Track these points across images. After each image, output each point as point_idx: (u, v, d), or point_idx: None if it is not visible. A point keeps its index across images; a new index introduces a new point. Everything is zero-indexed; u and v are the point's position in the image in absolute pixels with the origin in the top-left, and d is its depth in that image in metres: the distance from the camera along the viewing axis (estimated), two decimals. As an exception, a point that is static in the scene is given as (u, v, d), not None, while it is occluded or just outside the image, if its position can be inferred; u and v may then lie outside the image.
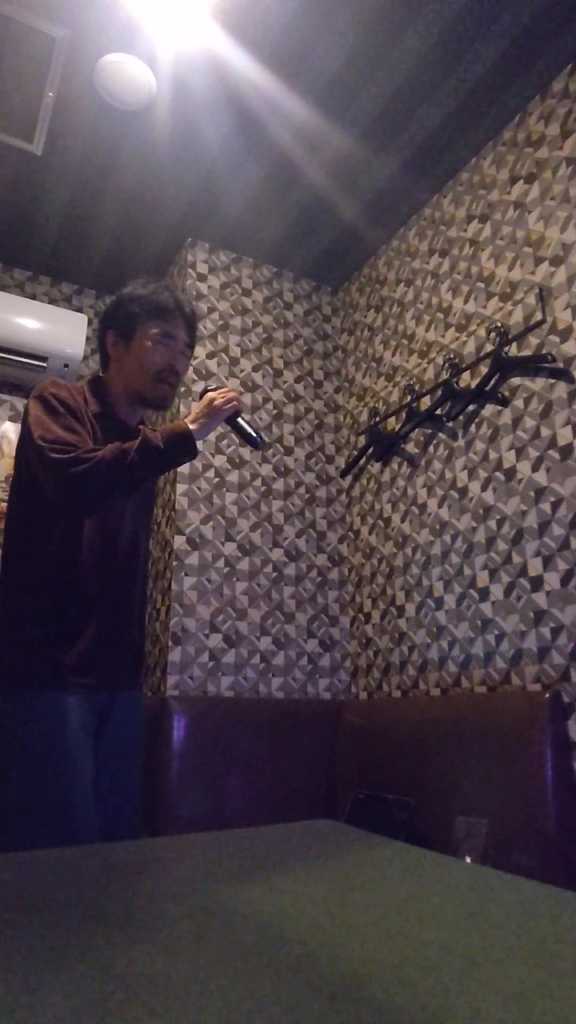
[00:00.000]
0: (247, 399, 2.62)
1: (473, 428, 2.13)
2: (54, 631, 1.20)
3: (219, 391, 1.30)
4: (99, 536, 1.27)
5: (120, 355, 1.35)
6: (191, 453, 1.24)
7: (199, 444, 1.26)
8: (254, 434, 1.34)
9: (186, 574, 2.29)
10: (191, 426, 1.24)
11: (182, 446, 1.22)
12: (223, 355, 2.62)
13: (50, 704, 1.15)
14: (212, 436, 2.48)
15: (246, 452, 2.53)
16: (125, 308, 1.35)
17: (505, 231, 2.12)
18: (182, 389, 2.49)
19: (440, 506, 2.21)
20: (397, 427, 2.45)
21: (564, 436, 1.81)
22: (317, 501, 2.66)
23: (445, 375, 2.25)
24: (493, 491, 2.01)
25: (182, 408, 2.48)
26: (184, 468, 2.39)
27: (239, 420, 1.33)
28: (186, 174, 2.35)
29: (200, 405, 1.28)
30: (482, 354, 2.12)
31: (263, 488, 2.54)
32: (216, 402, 1.28)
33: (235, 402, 1.30)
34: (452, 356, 2.25)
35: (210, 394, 1.30)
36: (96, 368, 2.85)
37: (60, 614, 1.21)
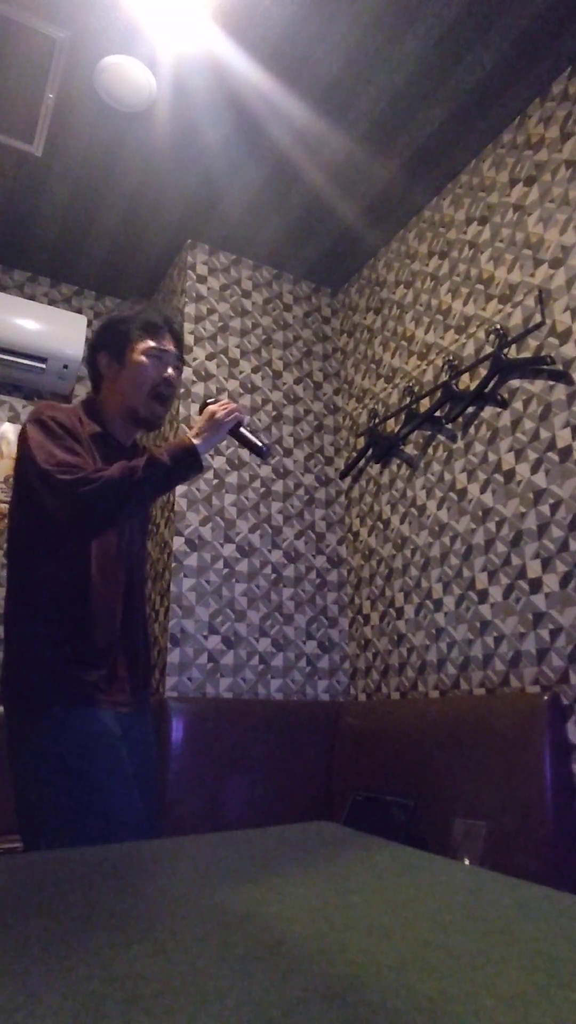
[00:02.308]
0: (246, 400, 2.63)
1: (472, 430, 2.13)
2: (76, 652, 1.19)
3: (219, 403, 1.31)
4: (107, 554, 1.27)
5: (114, 375, 1.37)
6: (197, 468, 1.25)
7: (204, 458, 1.27)
8: (260, 443, 1.34)
9: (185, 575, 2.29)
10: (195, 440, 1.25)
11: (188, 461, 1.23)
12: (223, 356, 2.63)
13: (82, 719, 1.15)
14: (211, 437, 2.48)
15: (245, 454, 2.53)
16: (115, 328, 1.37)
17: (504, 233, 2.13)
18: (181, 390, 2.49)
19: (439, 508, 2.21)
20: (396, 429, 2.45)
21: (563, 438, 1.81)
22: (316, 503, 2.66)
23: (444, 377, 2.26)
24: (492, 493, 2.01)
25: (181, 410, 2.48)
26: (183, 469, 2.39)
27: (242, 431, 1.34)
28: (186, 176, 2.36)
29: (202, 419, 1.29)
30: (481, 356, 2.12)
31: (262, 489, 2.54)
32: (218, 415, 1.28)
33: (237, 413, 1.31)
34: (451, 358, 2.25)
35: (211, 407, 1.31)
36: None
37: (79, 634, 1.20)
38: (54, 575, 1.22)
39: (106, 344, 1.38)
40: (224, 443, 2.50)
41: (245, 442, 1.35)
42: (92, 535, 1.24)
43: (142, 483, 1.18)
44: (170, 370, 1.38)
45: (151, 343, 1.35)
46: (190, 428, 1.29)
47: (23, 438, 1.24)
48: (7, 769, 1.14)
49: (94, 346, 1.40)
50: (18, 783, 1.13)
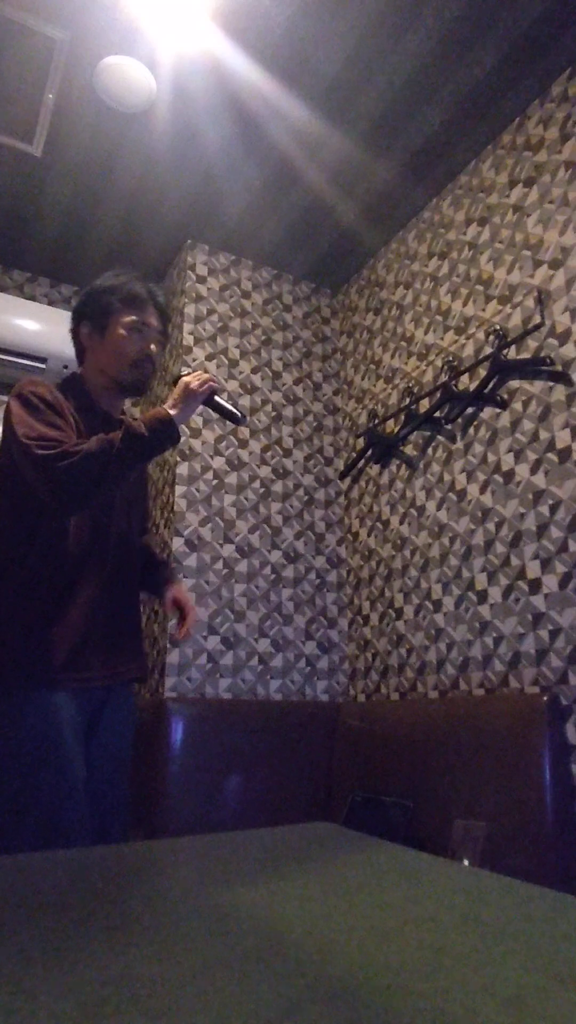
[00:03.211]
0: (246, 401, 2.63)
1: (472, 431, 2.13)
2: (43, 627, 1.20)
3: (192, 375, 1.32)
4: (87, 530, 1.27)
5: (95, 346, 1.37)
6: (174, 438, 1.25)
7: (181, 429, 1.27)
8: (234, 410, 1.35)
9: (184, 576, 2.28)
10: (171, 411, 1.25)
11: (165, 431, 1.23)
12: (222, 357, 2.63)
13: (39, 704, 1.15)
14: (211, 438, 2.48)
15: (245, 454, 2.53)
16: (98, 300, 1.37)
17: (504, 234, 2.13)
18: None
19: (438, 508, 2.21)
20: (396, 429, 2.45)
21: (563, 439, 1.81)
22: (316, 503, 2.66)
23: (444, 378, 2.26)
24: (491, 494, 2.01)
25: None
26: (183, 470, 2.39)
27: (216, 400, 1.34)
28: (186, 176, 2.36)
29: (176, 390, 1.29)
30: (481, 357, 2.12)
31: (262, 490, 2.54)
32: (192, 385, 1.29)
33: (210, 383, 1.31)
34: (451, 359, 2.25)
35: (184, 378, 1.31)
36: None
37: (49, 610, 1.21)
38: (30, 549, 1.22)
39: (88, 314, 1.37)
40: (224, 444, 2.50)
41: (220, 410, 1.35)
42: (73, 509, 1.23)
43: (120, 454, 1.18)
44: (152, 346, 1.37)
45: (133, 316, 1.35)
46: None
47: (6, 413, 1.25)
48: None
49: (77, 315, 1.40)
50: None
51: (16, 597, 1.21)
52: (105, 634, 1.28)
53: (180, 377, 1.33)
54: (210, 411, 1.39)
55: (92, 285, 1.40)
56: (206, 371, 1.46)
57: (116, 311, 1.35)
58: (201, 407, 1.33)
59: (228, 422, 1.44)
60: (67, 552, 1.24)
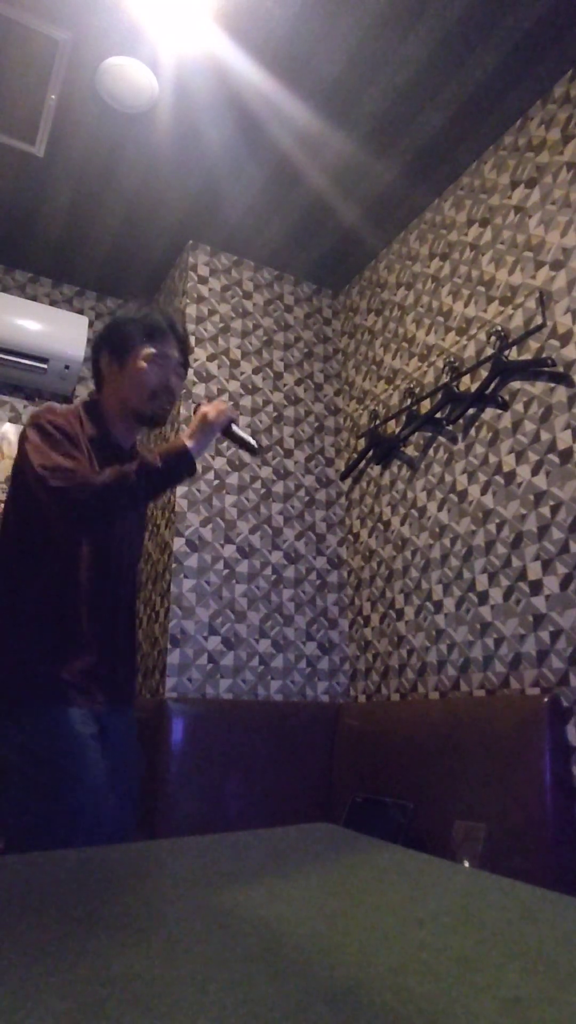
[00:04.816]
0: (247, 401, 2.63)
1: (473, 432, 2.13)
2: (55, 648, 1.20)
3: (210, 404, 1.32)
4: (98, 554, 1.28)
5: (115, 375, 1.37)
6: (190, 470, 1.25)
7: (197, 461, 1.27)
8: (251, 441, 1.36)
9: (185, 576, 2.29)
10: (188, 443, 1.25)
11: (181, 464, 1.24)
12: (223, 357, 2.63)
13: (56, 718, 1.16)
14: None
15: (246, 455, 2.53)
16: (119, 330, 1.37)
17: (506, 235, 2.13)
18: (183, 392, 2.49)
19: (439, 509, 2.21)
20: (397, 430, 2.45)
21: (564, 440, 1.81)
22: (317, 504, 2.66)
23: (445, 378, 2.26)
24: (493, 495, 2.01)
25: (182, 411, 2.48)
26: (184, 470, 2.39)
27: (234, 429, 1.35)
28: (188, 177, 2.36)
29: (194, 421, 1.30)
30: (482, 358, 2.12)
31: (263, 490, 2.54)
32: (210, 416, 1.29)
33: (227, 412, 1.32)
34: (452, 360, 2.25)
35: (203, 409, 1.31)
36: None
37: (60, 631, 1.21)
38: (42, 572, 1.23)
39: (109, 345, 1.38)
40: (225, 444, 2.50)
41: (237, 440, 1.36)
42: (87, 538, 1.25)
43: (135, 488, 1.19)
44: (172, 377, 1.38)
45: (154, 348, 1.36)
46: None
47: (23, 440, 1.26)
48: None
49: (98, 345, 1.41)
50: None
51: (27, 616, 1.21)
52: (111, 656, 1.28)
53: (198, 406, 1.33)
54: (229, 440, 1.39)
55: (114, 316, 1.41)
56: (224, 401, 1.46)
57: (137, 343, 1.35)
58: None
59: (247, 452, 1.45)
60: (79, 573, 1.25)
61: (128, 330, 1.36)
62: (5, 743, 1.14)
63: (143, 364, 1.34)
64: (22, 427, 1.31)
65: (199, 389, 2.53)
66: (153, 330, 1.36)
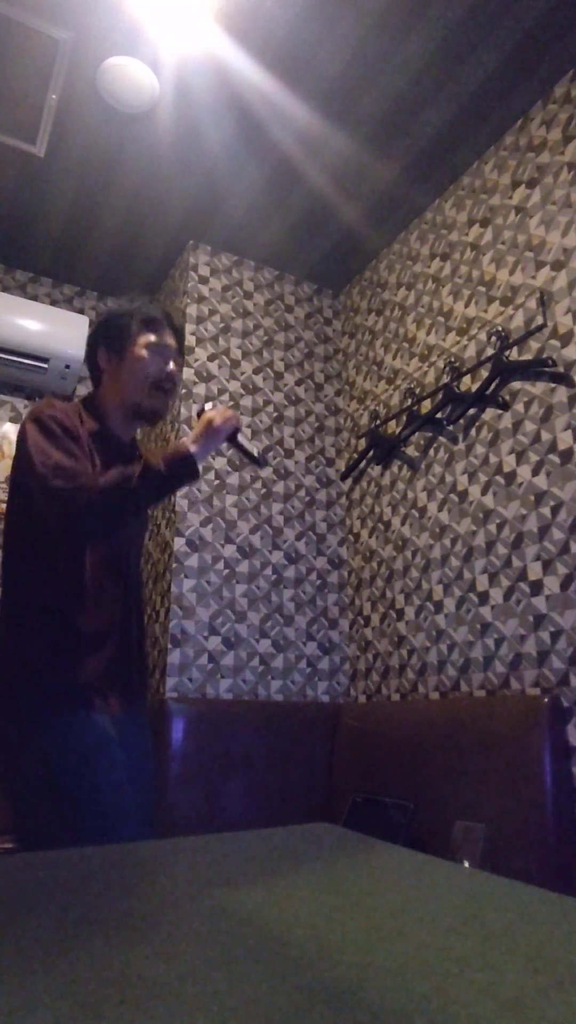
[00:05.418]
0: (247, 401, 2.63)
1: (473, 432, 2.13)
2: (68, 653, 1.18)
3: (216, 411, 1.31)
4: (105, 556, 1.27)
5: (114, 369, 1.36)
6: (193, 475, 1.24)
7: (200, 465, 1.27)
8: (255, 452, 1.36)
9: (186, 576, 2.29)
10: (192, 447, 1.24)
11: (184, 468, 1.23)
12: (224, 357, 2.63)
13: (75, 724, 1.14)
14: (212, 438, 2.48)
15: (249, 465, 2.53)
16: (115, 323, 1.36)
17: (506, 235, 2.13)
18: (183, 391, 2.49)
19: (440, 510, 2.21)
20: (397, 430, 2.45)
21: (564, 440, 1.81)
22: (317, 504, 2.66)
23: (446, 379, 2.26)
24: (493, 495, 2.01)
25: (182, 410, 2.48)
26: (184, 470, 2.39)
27: (239, 439, 1.34)
28: (188, 177, 2.36)
29: (199, 426, 1.29)
30: (483, 358, 2.12)
31: (263, 491, 2.54)
32: (215, 422, 1.28)
33: (233, 421, 1.31)
34: (453, 360, 2.25)
35: (208, 414, 1.30)
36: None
37: (72, 636, 1.19)
38: (48, 575, 1.21)
39: (105, 339, 1.37)
40: (225, 445, 2.50)
41: (241, 450, 1.36)
42: (86, 542, 1.23)
43: (137, 492, 1.17)
44: (171, 364, 1.37)
45: (151, 337, 1.35)
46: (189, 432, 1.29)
47: (22, 436, 1.23)
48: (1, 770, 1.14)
49: (93, 342, 1.40)
50: (13, 786, 1.12)
51: (37, 622, 1.19)
52: (123, 660, 1.27)
53: (203, 411, 1.33)
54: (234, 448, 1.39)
55: (107, 311, 1.40)
56: (230, 408, 1.45)
57: (134, 333, 1.35)
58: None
59: (249, 463, 1.45)
60: (84, 573, 1.22)
61: (123, 322, 1.36)
62: (29, 758, 1.12)
63: (142, 352, 1.33)
64: (22, 422, 1.28)
65: (199, 389, 2.53)
66: (149, 320, 1.36)
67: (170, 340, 1.38)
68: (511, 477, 1.96)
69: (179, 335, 1.42)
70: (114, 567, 1.29)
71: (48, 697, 1.15)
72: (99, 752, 1.14)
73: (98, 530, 1.20)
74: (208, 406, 1.35)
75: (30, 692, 1.16)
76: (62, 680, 1.16)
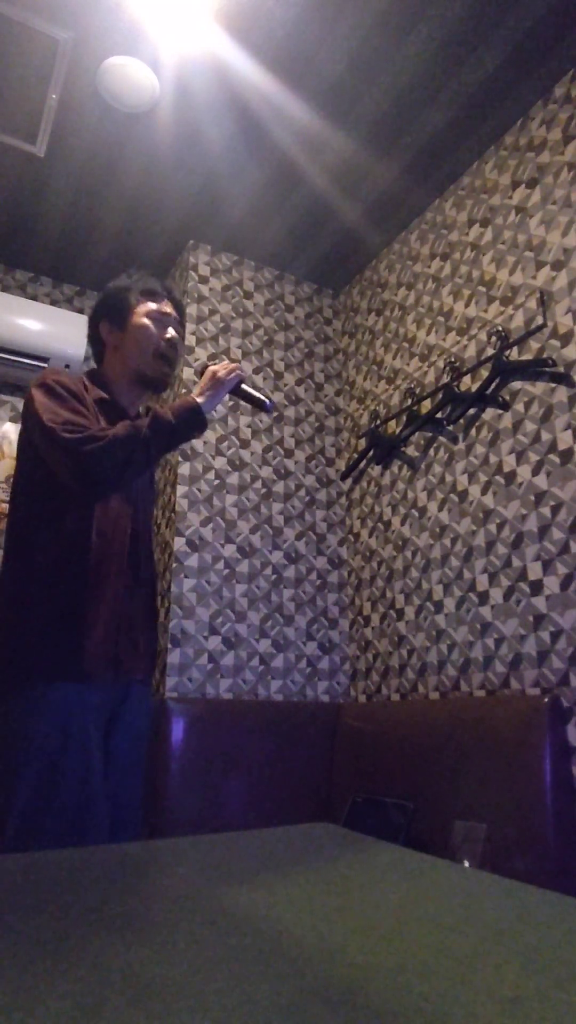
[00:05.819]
0: (248, 401, 2.62)
1: (473, 432, 2.13)
2: (69, 620, 1.18)
3: (219, 364, 1.34)
4: (110, 523, 1.26)
5: (117, 341, 1.38)
6: (201, 426, 1.27)
7: (208, 416, 1.29)
8: (262, 397, 1.36)
9: (185, 576, 2.29)
10: (199, 399, 1.27)
11: (192, 419, 1.25)
12: (224, 357, 2.63)
13: (60, 698, 1.14)
14: (212, 438, 2.48)
15: (246, 454, 2.53)
16: (116, 296, 1.39)
17: (506, 235, 2.13)
18: (183, 392, 2.49)
19: (440, 509, 2.21)
20: (397, 430, 2.45)
21: (564, 440, 1.81)
22: (317, 504, 2.66)
23: (446, 379, 2.26)
24: (493, 495, 2.01)
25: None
26: (184, 470, 2.40)
27: (244, 387, 1.36)
28: (188, 177, 2.36)
29: (204, 379, 1.32)
30: (483, 358, 2.12)
31: (263, 490, 2.54)
32: (219, 374, 1.31)
33: (237, 371, 1.33)
34: (453, 360, 2.25)
35: (211, 367, 1.33)
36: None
37: (74, 603, 1.19)
38: (53, 544, 1.21)
39: (107, 312, 1.39)
40: (226, 444, 2.50)
41: (247, 398, 1.37)
42: (97, 494, 1.22)
43: (147, 441, 1.19)
44: (172, 331, 1.39)
45: (151, 305, 1.37)
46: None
47: (28, 401, 1.24)
48: None
49: (95, 316, 1.41)
50: None
51: (42, 589, 1.18)
52: (128, 629, 1.27)
53: (207, 366, 1.34)
54: (238, 399, 1.41)
55: (107, 287, 1.42)
56: (233, 359, 1.47)
57: (134, 303, 1.37)
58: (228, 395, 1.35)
59: (257, 409, 1.48)
60: (90, 546, 1.22)
61: (124, 294, 1.38)
62: (10, 735, 1.12)
63: (144, 321, 1.36)
64: (27, 390, 1.29)
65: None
66: (148, 290, 1.39)
67: (169, 309, 1.40)
68: (511, 477, 1.96)
69: (179, 305, 1.44)
70: (121, 538, 1.28)
71: (39, 666, 1.14)
72: (79, 734, 1.13)
73: (110, 479, 1.18)
74: (211, 360, 1.36)
75: (22, 659, 1.15)
76: (56, 647, 1.16)
